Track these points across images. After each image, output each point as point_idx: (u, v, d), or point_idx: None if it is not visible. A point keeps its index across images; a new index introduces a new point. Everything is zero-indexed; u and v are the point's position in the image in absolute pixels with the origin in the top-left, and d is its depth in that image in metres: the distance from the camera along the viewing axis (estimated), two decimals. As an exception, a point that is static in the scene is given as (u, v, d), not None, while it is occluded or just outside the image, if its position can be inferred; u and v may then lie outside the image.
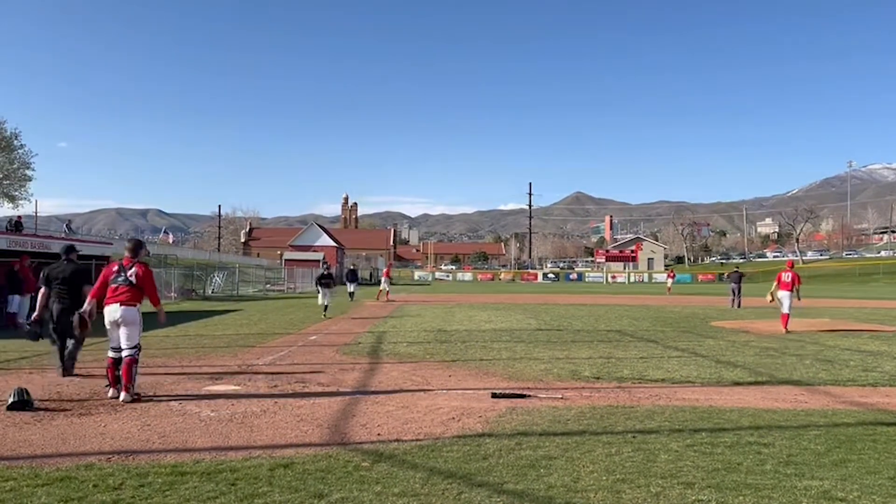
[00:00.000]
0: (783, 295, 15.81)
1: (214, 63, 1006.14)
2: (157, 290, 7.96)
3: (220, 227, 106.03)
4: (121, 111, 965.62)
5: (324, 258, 18.00)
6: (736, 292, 26.81)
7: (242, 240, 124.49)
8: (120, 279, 7.42)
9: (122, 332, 7.28)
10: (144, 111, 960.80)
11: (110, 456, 5.00)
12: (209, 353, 11.29)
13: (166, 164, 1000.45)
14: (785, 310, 15.60)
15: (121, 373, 7.16)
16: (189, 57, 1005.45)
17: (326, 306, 20.73)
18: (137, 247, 7.75)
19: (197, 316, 20.38)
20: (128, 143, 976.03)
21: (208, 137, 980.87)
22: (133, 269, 7.46)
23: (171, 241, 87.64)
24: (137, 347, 7.34)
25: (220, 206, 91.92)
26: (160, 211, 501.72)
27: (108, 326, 7.39)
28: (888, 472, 4.65)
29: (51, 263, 9.40)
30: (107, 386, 7.45)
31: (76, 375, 8.82)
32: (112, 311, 7.29)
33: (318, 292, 21.41)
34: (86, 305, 7.68)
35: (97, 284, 7.66)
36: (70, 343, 8.80)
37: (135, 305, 7.39)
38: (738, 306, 25.87)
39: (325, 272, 21.94)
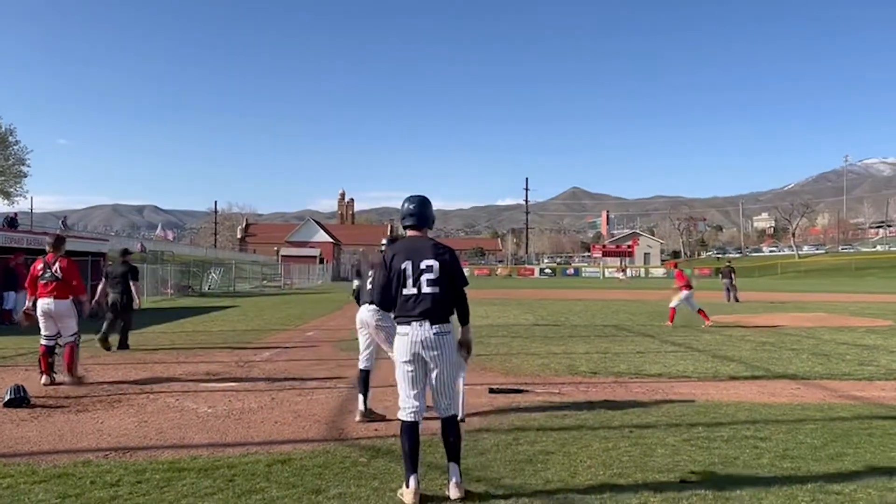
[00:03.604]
0: (682, 294, 16.02)
1: (211, 61, 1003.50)
2: (82, 281, 8.71)
3: (216, 224, 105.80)
4: (119, 109, 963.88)
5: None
6: (729, 287, 27.00)
7: (239, 236, 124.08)
8: (47, 275, 7.99)
9: (59, 323, 8.01)
10: (142, 109, 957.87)
11: (107, 452, 5.00)
12: (206, 350, 11.27)
13: (163, 161, 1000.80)
14: (673, 304, 16.07)
15: (64, 360, 7.95)
16: (186, 55, 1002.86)
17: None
18: (58, 242, 8.35)
19: (193, 312, 20.35)
20: (125, 141, 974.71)
21: (205, 134, 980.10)
22: (57, 265, 8.05)
23: (171, 237, 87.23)
24: (77, 335, 8.14)
25: (216, 202, 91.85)
26: (156, 207, 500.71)
27: (40, 317, 8.01)
28: (884, 466, 4.67)
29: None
30: (40, 373, 7.90)
31: (128, 348, 11.09)
32: (44, 304, 7.96)
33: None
34: (27, 302, 8.36)
35: (28, 282, 8.27)
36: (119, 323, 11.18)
37: (66, 298, 8.03)
38: (736, 300, 26.00)
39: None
